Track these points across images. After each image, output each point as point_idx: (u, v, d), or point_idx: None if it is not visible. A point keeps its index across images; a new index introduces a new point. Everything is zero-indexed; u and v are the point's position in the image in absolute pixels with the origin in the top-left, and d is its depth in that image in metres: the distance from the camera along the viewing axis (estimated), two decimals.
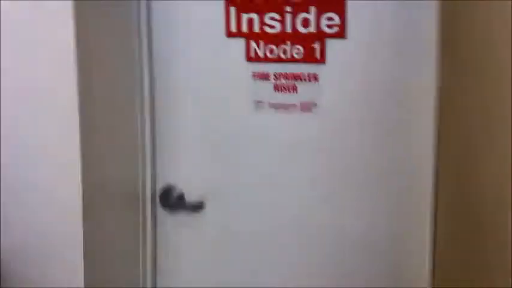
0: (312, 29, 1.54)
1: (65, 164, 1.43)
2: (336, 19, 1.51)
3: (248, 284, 1.64)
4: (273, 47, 1.57)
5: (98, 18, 1.46)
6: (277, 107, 1.59)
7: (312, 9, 1.53)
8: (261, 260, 1.65)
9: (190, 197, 1.68)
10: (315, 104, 1.55)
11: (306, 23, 1.54)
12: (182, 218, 1.69)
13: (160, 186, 1.70)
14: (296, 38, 1.55)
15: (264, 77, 1.59)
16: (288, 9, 1.55)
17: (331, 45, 1.53)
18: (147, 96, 1.66)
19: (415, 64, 1.47)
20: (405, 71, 1.48)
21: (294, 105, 1.57)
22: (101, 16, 1.47)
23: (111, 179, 1.55)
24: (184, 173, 1.69)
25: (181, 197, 1.69)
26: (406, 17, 1.46)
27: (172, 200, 1.68)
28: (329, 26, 1.52)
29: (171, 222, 1.71)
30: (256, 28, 1.58)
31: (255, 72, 1.60)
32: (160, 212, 1.70)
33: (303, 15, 1.54)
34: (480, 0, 1.28)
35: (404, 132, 1.50)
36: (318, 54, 1.54)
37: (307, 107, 1.56)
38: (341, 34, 1.51)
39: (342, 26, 1.51)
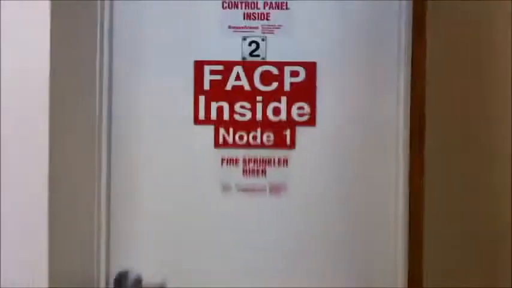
0: (283, 117, 1.59)
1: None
2: (306, 108, 1.59)
3: None
4: (243, 133, 1.59)
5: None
6: (245, 190, 1.62)
7: (283, 99, 1.58)
8: None
9: (149, 281, 1.63)
10: (285, 187, 1.63)
11: (277, 111, 1.59)
12: None
13: (115, 270, 1.62)
14: (267, 125, 1.60)
15: (233, 162, 1.61)
16: (259, 98, 1.58)
17: (301, 131, 1.60)
18: (105, 175, 1.56)
19: (381, 148, 1.62)
20: (371, 155, 1.62)
21: (262, 189, 1.63)
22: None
23: (69, 267, 1.45)
24: (142, 257, 1.63)
25: (138, 282, 1.64)
26: (374, 105, 1.61)
27: (128, 285, 1.63)
28: (300, 115, 1.59)
29: None
30: (226, 116, 1.57)
31: (223, 158, 1.60)
32: None
33: (274, 104, 1.59)
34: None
35: (373, 214, 1.65)
36: (288, 141, 1.60)
37: (276, 190, 1.63)
38: (311, 122, 1.60)
39: (312, 115, 1.59)
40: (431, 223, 1.56)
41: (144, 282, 1.61)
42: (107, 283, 1.61)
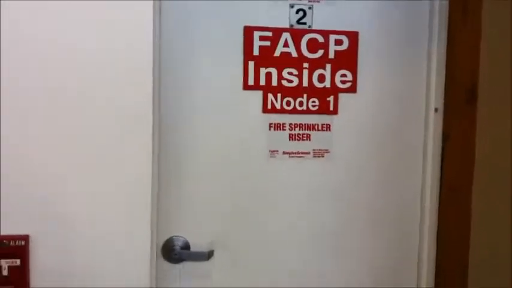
0: (327, 84, 1.69)
1: None
2: (349, 76, 1.70)
3: None
4: (290, 99, 1.68)
5: None
6: (291, 154, 1.72)
7: (328, 66, 1.68)
8: None
9: (198, 247, 1.69)
10: (327, 151, 1.73)
11: (321, 78, 1.69)
12: (189, 268, 1.70)
13: (165, 237, 1.68)
14: (312, 91, 1.69)
15: (280, 127, 1.69)
16: (306, 65, 1.67)
17: (343, 98, 1.71)
18: (157, 144, 1.58)
19: (419, 115, 1.76)
20: (409, 122, 1.76)
21: (307, 153, 1.72)
22: None
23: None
24: (190, 223, 1.69)
25: (186, 248, 1.70)
26: (412, 72, 1.74)
27: (176, 251, 1.69)
28: (342, 82, 1.70)
29: (176, 273, 1.70)
30: (274, 82, 1.66)
31: (271, 123, 1.68)
32: (164, 263, 1.68)
33: (319, 71, 1.68)
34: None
35: (410, 176, 1.79)
36: (331, 107, 1.71)
37: (319, 154, 1.73)
38: (353, 89, 1.71)
39: (354, 82, 1.70)
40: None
41: (192, 248, 1.68)
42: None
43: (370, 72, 1.71)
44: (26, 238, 1.38)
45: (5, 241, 1.35)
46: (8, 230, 1.37)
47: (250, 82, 1.66)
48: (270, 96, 1.67)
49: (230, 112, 1.66)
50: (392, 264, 1.80)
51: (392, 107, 1.75)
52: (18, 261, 1.36)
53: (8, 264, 1.35)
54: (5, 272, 1.35)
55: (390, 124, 1.75)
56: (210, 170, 1.67)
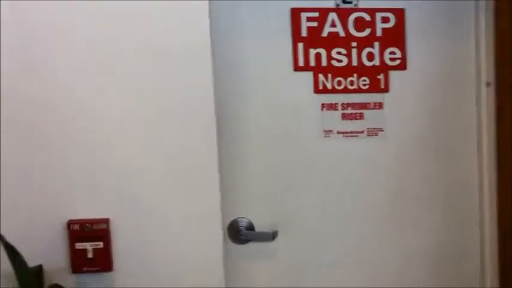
0: (376, 62, 1.75)
1: None
2: (398, 53, 1.75)
3: None
4: (341, 79, 1.75)
5: None
6: (344, 133, 1.78)
7: (376, 44, 1.75)
8: (332, 284, 1.80)
9: (261, 227, 1.77)
10: (381, 129, 1.79)
11: (370, 56, 1.75)
12: (252, 249, 1.77)
13: (229, 219, 1.76)
14: (362, 70, 1.75)
15: (332, 106, 1.76)
16: (354, 44, 1.74)
17: (394, 75, 1.77)
18: (214, 127, 1.64)
19: (470, 90, 1.80)
20: (461, 97, 1.80)
21: (361, 132, 1.79)
22: None
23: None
24: (253, 204, 1.77)
25: (250, 228, 1.78)
26: (461, 46, 1.78)
27: (242, 232, 1.76)
28: (391, 59, 1.76)
29: (241, 254, 1.78)
30: (324, 62, 1.73)
31: (323, 103, 1.76)
32: (230, 244, 1.76)
33: (368, 49, 1.75)
34: None
35: (464, 152, 1.82)
36: (382, 85, 1.76)
37: (373, 132, 1.79)
38: (402, 66, 1.76)
39: (403, 59, 1.76)
40: None
41: (256, 229, 1.76)
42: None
43: (419, 49, 1.77)
44: (106, 221, 1.50)
45: (87, 225, 1.47)
46: (89, 214, 1.50)
47: (300, 63, 1.73)
48: (321, 76, 1.74)
49: (282, 94, 1.74)
50: (451, 239, 1.85)
51: (443, 82, 1.79)
52: (101, 244, 1.47)
53: (92, 247, 1.47)
54: (90, 255, 1.47)
55: (442, 100, 1.80)
56: (265, 152, 1.75)
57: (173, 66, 1.54)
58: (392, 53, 1.75)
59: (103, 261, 1.50)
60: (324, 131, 1.77)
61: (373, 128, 1.78)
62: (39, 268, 1.44)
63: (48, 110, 1.50)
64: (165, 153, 1.55)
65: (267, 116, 1.74)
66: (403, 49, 1.76)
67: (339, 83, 1.75)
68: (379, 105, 1.78)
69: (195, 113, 1.56)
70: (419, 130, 1.80)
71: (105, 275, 1.52)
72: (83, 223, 1.49)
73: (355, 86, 1.76)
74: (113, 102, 1.53)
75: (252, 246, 1.76)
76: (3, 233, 1.29)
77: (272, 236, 1.74)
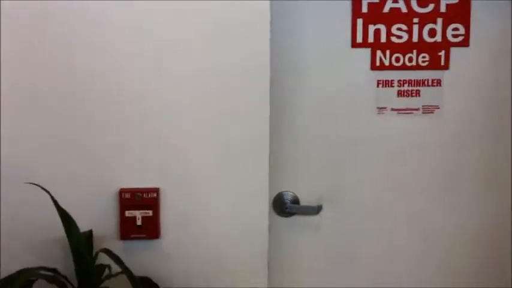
0: (438, 38, 1.69)
1: None
2: (461, 29, 1.68)
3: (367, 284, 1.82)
4: (399, 55, 1.69)
5: None
6: (399, 111, 1.74)
7: (439, 20, 1.68)
8: (378, 262, 1.81)
9: (306, 201, 1.77)
10: (437, 107, 1.74)
11: (432, 33, 1.68)
12: (297, 222, 1.78)
13: (275, 192, 1.76)
14: (422, 47, 1.69)
15: (388, 83, 1.72)
16: (415, 20, 1.67)
17: (455, 52, 1.70)
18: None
19: None
20: None
21: (416, 109, 1.74)
22: None
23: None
24: (299, 178, 1.77)
25: (296, 202, 1.79)
26: None
27: (287, 205, 1.76)
28: (454, 36, 1.69)
29: (285, 227, 1.79)
30: (383, 38, 1.68)
31: (379, 80, 1.71)
32: (275, 217, 1.77)
33: (430, 25, 1.68)
34: None
35: None
36: (442, 62, 1.70)
37: (429, 110, 1.74)
38: (465, 43, 1.69)
39: (467, 35, 1.68)
40: None
41: (301, 202, 1.77)
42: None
43: (483, 25, 1.69)
44: (156, 190, 1.53)
45: (138, 194, 1.51)
46: (140, 184, 1.53)
47: (359, 40, 1.69)
48: (379, 53, 1.69)
49: (338, 70, 1.71)
50: (504, 221, 1.80)
51: (506, 60, 1.71)
52: (150, 212, 1.51)
53: (141, 215, 1.51)
54: (138, 222, 1.51)
55: (503, 79, 1.72)
56: (318, 126, 1.73)
57: (230, 39, 1.53)
58: (455, 29, 1.68)
59: (151, 229, 1.53)
60: (378, 108, 1.73)
61: (429, 106, 1.73)
62: (90, 233, 1.49)
63: (104, 85, 1.52)
64: (216, 126, 1.56)
65: (321, 91, 1.71)
66: (467, 26, 1.68)
67: (397, 59, 1.70)
68: (438, 83, 1.72)
69: (249, 88, 1.55)
70: (477, 109, 1.74)
71: (152, 242, 1.56)
72: (134, 192, 1.52)
73: (413, 63, 1.70)
74: (166, 77, 1.53)
75: (296, 219, 1.77)
76: (58, 199, 1.33)
77: (317, 209, 1.75)
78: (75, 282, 1.37)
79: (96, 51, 1.50)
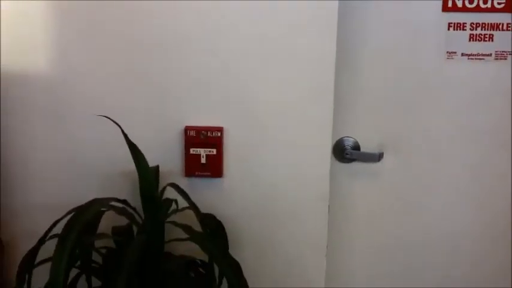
0: None
1: None
2: None
3: (423, 234, 1.83)
4: None
5: None
6: (471, 56, 1.70)
7: None
8: (436, 211, 1.81)
9: (367, 148, 1.78)
10: (511, 53, 1.69)
11: None
12: (358, 168, 1.80)
13: (336, 138, 1.77)
14: None
15: (460, 26, 1.67)
16: None
17: None
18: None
19: None
20: None
21: (488, 55, 1.70)
22: None
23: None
24: (361, 124, 1.77)
25: (356, 148, 1.79)
26: None
27: (347, 151, 1.77)
28: None
29: (345, 173, 1.81)
30: None
31: (450, 22, 1.67)
32: (335, 162, 1.79)
33: None
34: None
35: None
36: None
37: (502, 56, 1.70)
38: None
39: None
40: None
41: (362, 148, 1.78)
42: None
43: None
44: (220, 130, 1.56)
45: (203, 132, 1.54)
46: (205, 122, 1.57)
47: None
48: None
49: (407, 10, 1.67)
50: None
51: None
52: (214, 151, 1.55)
53: (206, 153, 1.55)
54: (203, 160, 1.56)
55: None
56: (382, 70, 1.72)
57: None
58: None
59: (214, 167, 1.58)
60: (447, 52, 1.69)
61: (503, 51, 1.69)
62: (157, 168, 1.54)
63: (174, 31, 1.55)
64: (282, 69, 1.57)
65: (388, 32, 1.69)
66: None
67: (471, 1, 1.65)
68: None
69: (316, 31, 1.55)
70: None
71: (215, 180, 1.61)
72: (199, 130, 1.56)
73: (488, 5, 1.65)
74: (233, 16, 1.55)
75: (356, 165, 1.78)
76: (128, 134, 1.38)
77: (378, 157, 1.75)
78: (143, 216, 1.44)
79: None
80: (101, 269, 1.41)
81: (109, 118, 1.34)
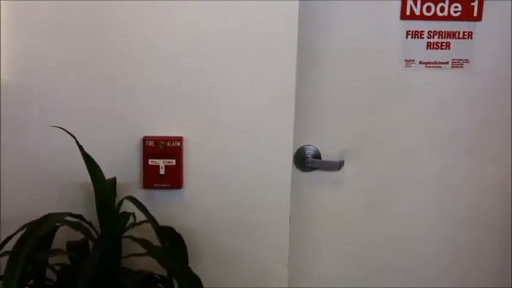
0: None
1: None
2: None
3: (388, 236, 1.86)
4: (431, 4, 1.69)
5: None
6: (428, 64, 1.74)
7: None
8: (400, 214, 1.85)
9: (328, 156, 1.79)
10: (467, 61, 1.74)
11: None
12: (318, 177, 1.81)
13: (296, 146, 1.78)
14: None
15: (418, 34, 1.72)
16: None
17: (489, 2, 1.69)
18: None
19: None
20: None
21: (445, 63, 1.74)
22: None
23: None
24: (321, 132, 1.79)
25: (317, 156, 1.80)
26: None
27: (308, 160, 1.78)
28: None
29: (308, 181, 1.82)
30: None
31: (408, 30, 1.71)
32: (296, 171, 1.79)
33: None
34: None
35: None
36: (475, 12, 1.70)
37: (459, 64, 1.74)
38: None
39: None
40: None
41: (323, 157, 1.79)
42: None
43: None
44: (180, 139, 1.55)
45: (162, 142, 1.53)
46: (165, 131, 1.55)
47: None
48: (410, 1, 1.68)
49: (366, 18, 1.70)
50: None
51: None
52: (173, 161, 1.54)
53: (165, 164, 1.53)
54: (162, 171, 1.54)
55: None
56: (342, 77, 1.74)
57: None
58: None
59: (174, 179, 1.56)
60: (406, 60, 1.73)
61: (459, 59, 1.74)
62: (114, 180, 1.52)
63: (134, 24, 1.53)
64: (241, 77, 1.57)
65: (348, 41, 1.71)
66: None
67: (428, 8, 1.69)
68: (469, 35, 1.72)
69: (277, 38, 1.56)
70: (508, 64, 1.74)
71: (175, 191, 1.59)
72: (158, 140, 1.54)
73: (445, 13, 1.70)
74: (197, 17, 1.54)
75: (317, 173, 1.80)
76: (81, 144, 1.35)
77: (339, 165, 1.77)
78: (99, 230, 1.41)
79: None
80: (55, 287, 1.38)
81: (64, 130, 1.31)
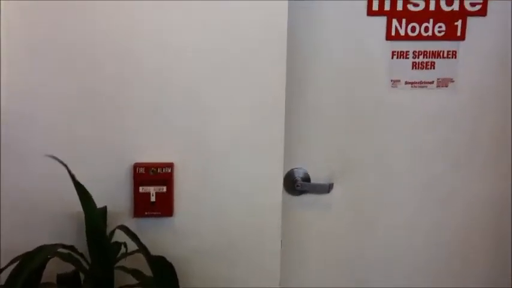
0: (455, 7, 1.74)
1: None
2: None
3: (380, 258, 1.90)
4: (415, 24, 1.74)
5: None
6: (413, 83, 1.79)
7: None
8: (390, 235, 1.89)
9: (317, 179, 1.83)
10: (452, 80, 1.80)
11: (450, 1, 1.73)
12: (308, 199, 1.84)
13: (286, 169, 1.81)
14: (439, 16, 1.75)
15: (403, 55, 1.77)
16: None
17: (472, 22, 1.76)
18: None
19: None
20: None
21: (430, 82, 1.80)
22: None
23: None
24: (310, 155, 1.82)
25: (306, 179, 1.83)
26: None
27: (298, 183, 1.81)
28: (472, 5, 1.74)
29: (297, 205, 1.85)
30: (400, 6, 1.73)
31: (394, 50, 1.76)
32: (285, 194, 1.82)
33: None
34: None
35: None
36: (459, 32, 1.76)
37: (443, 83, 1.80)
38: (482, 12, 1.75)
39: (484, 4, 1.74)
40: None
41: (312, 179, 1.82)
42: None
43: None
44: (171, 165, 1.56)
45: (153, 168, 1.53)
46: (155, 158, 1.56)
47: (375, 7, 1.73)
48: (395, 22, 1.74)
49: (352, 39, 1.75)
50: None
51: None
52: (164, 188, 1.54)
53: (155, 191, 1.54)
54: (152, 199, 1.54)
55: None
56: (329, 100, 1.78)
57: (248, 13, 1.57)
58: None
59: (165, 206, 1.57)
60: (392, 80, 1.78)
61: (444, 78, 1.79)
62: (104, 209, 1.51)
63: (122, 48, 1.54)
64: (231, 103, 1.59)
65: (335, 62, 1.76)
66: None
67: (413, 29, 1.75)
68: (453, 54, 1.78)
69: (266, 62, 1.59)
70: (492, 82, 1.81)
71: (166, 219, 1.60)
72: (148, 166, 1.55)
73: (429, 33, 1.76)
74: (183, 39, 1.56)
75: (306, 197, 1.83)
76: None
77: (328, 188, 1.80)
78: (89, 260, 1.40)
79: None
80: None
81: (56, 158, 1.30)
